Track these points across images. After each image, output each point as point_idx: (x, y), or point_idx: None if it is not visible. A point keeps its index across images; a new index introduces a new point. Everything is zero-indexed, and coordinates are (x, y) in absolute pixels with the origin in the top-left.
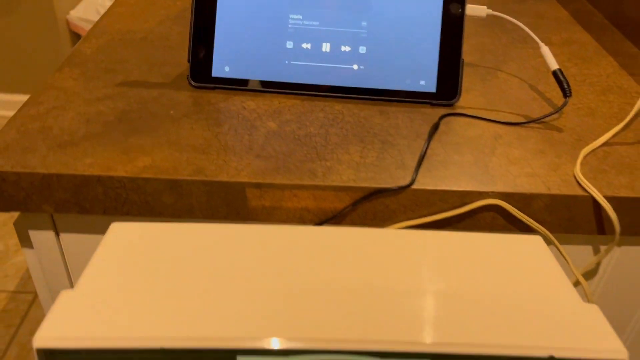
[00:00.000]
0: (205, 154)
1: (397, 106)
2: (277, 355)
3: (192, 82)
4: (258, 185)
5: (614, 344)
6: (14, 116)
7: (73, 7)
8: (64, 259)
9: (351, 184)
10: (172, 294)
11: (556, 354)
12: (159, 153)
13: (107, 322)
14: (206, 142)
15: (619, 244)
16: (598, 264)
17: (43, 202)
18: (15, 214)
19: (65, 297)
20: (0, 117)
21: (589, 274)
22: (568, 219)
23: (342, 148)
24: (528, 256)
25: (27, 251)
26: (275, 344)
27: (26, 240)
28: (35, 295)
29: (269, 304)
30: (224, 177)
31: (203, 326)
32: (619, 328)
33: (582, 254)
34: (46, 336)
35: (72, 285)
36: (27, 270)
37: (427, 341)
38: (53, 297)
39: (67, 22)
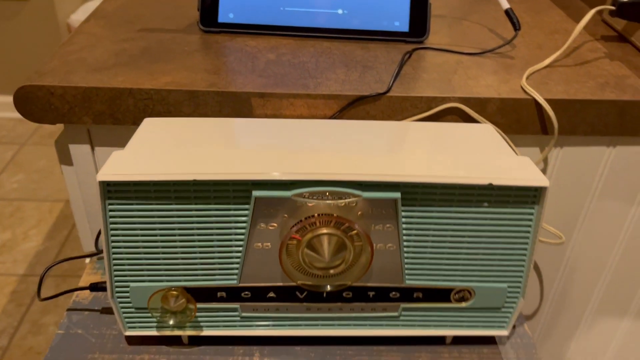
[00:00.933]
0: (216, 74)
1: (376, 43)
2: (282, 189)
3: (202, 27)
4: (261, 95)
5: (539, 177)
6: (54, 53)
7: (74, 11)
8: (97, 171)
9: (338, 92)
10: (202, 150)
11: (494, 182)
12: (178, 74)
13: (150, 165)
14: (216, 67)
15: (561, 145)
16: (546, 164)
17: (83, 114)
18: (29, 188)
19: (117, 154)
20: (3, 119)
21: None
22: (517, 120)
23: (330, 71)
24: (479, 134)
25: (65, 169)
26: (281, 175)
27: (65, 158)
28: (44, 278)
29: (278, 155)
30: (232, 89)
31: (226, 166)
32: (570, 222)
33: (531, 155)
34: (106, 173)
35: None
36: (35, 255)
37: (398, 174)
38: (87, 210)
39: (68, 26)
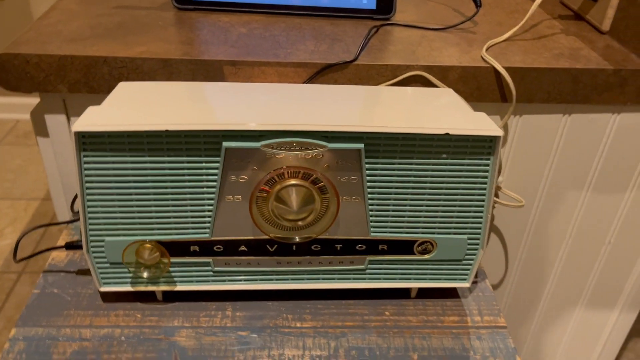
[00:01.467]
0: (189, 45)
1: (345, 20)
2: (252, 140)
3: (176, 4)
4: (233, 63)
5: (493, 128)
6: (30, 27)
7: None
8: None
9: (307, 61)
10: (175, 105)
11: (451, 132)
12: (153, 44)
13: (125, 118)
14: (189, 39)
15: (520, 113)
16: (506, 132)
17: (59, 82)
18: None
19: (92, 109)
20: None
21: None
22: (477, 88)
23: (300, 42)
24: (440, 96)
25: (41, 140)
26: (250, 126)
27: (41, 129)
28: (19, 275)
29: (248, 108)
30: (205, 57)
31: (197, 118)
32: (531, 188)
33: None
34: (81, 124)
35: None
36: (10, 253)
37: (361, 125)
38: (63, 182)
39: None
